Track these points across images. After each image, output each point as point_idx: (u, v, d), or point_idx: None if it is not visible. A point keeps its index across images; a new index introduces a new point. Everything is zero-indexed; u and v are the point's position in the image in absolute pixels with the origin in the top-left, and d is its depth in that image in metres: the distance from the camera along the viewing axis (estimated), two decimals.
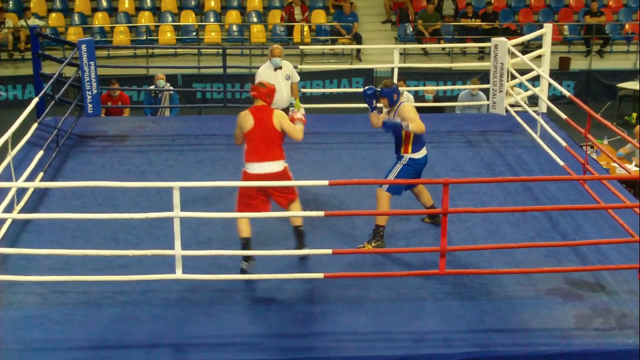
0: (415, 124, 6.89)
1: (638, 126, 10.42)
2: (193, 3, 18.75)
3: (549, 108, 9.70)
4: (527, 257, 6.68)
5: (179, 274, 6.08)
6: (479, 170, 8.85)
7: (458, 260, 6.56)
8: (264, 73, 8.45)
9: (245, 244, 6.58)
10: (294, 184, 6.65)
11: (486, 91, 11.15)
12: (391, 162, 9.01)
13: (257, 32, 18.02)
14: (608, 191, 7.49)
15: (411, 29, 17.99)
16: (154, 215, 6.17)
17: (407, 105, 7.08)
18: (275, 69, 8.48)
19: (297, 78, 8.74)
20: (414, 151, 7.06)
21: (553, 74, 12.19)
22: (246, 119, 6.61)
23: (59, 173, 8.70)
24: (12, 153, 7.43)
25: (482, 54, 17.59)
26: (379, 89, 7.11)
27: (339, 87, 16.53)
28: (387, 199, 6.97)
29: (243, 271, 6.46)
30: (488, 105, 10.84)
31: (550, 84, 9.73)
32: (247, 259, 6.51)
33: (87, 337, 5.73)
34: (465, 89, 12.29)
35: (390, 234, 7.25)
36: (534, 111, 9.85)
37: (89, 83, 10.22)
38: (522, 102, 10.22)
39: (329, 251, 6.30)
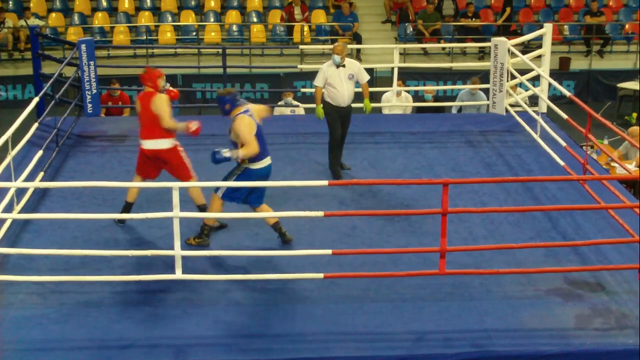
0: (244, 149, 6.61)
1: (636, 127, 10.39)
2: (193, 3, 18.73)
3: (549, 108, 9.70)
4: (527, 257, 6.68)
5: (179, 274, 6.08)
6: (479, 170, 8.84)
7: (458, 260, 6.55)
8: (326, 69, 8.32)
9: (126, 207, 7.28)
10: (295, 184, 6.60)
11: (486, 91, 11.14)
12: (391, 162, 9.07)
13: (257, 32, 18.00)
14: (608, 191, 7.49)
15: (411, 29, 17.97)
16: (154, 215, 6.19)
17: (242, 119, 6.67)
18: (338, 67, 8.32)
19: (366, 78, 8.52)
20: (251, 161, 6.78)
21: (553, 74, 12.18)
22: (137, 104, 7.25)
23: (59, 173, 8.69)
24: (12, 153, 7.43)
25: (482, 54, 17.59)
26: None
27: None
28: (220, 205, 6.86)
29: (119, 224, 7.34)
30: (488, 105, 10.84)
31: (550, 84, 9.72)
32: (122, 222, 7.31)
33: (87, 337, 5.73)
34: (464, 89, 12.27)
35: (390, 234, 7.25)
36: (534, 111, 9.85)
37: (88, 83, 10.22)
38: (522, 102, 10.21)
39: (329, 251, 6.30)
